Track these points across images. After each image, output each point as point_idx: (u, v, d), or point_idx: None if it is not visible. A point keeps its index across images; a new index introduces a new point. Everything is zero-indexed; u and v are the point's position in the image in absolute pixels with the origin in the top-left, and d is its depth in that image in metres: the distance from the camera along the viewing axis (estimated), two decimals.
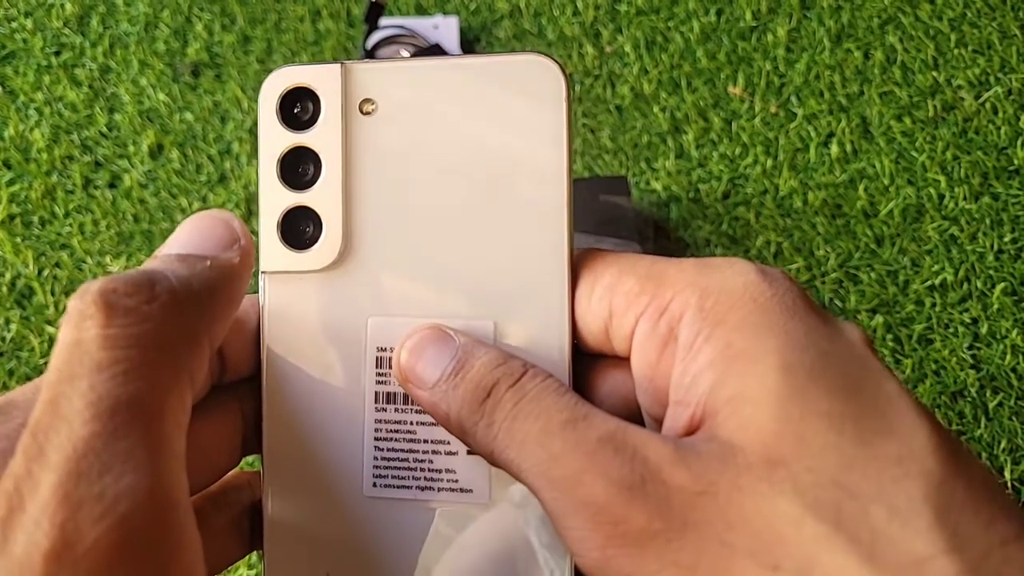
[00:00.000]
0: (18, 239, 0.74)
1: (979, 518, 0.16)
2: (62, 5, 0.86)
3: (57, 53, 0.84)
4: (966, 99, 0.81)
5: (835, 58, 0.83)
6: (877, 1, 0.87)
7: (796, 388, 0.17)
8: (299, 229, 0.23)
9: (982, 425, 0.64)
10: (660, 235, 0.73)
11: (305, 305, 0.23)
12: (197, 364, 0.18)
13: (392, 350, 0.22)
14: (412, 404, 0.23)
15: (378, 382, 0.23)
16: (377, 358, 0.23)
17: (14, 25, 0.85)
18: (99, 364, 0.16)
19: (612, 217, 0.67)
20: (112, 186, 0.77)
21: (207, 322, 0.18)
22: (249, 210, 0.75)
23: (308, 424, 0.23)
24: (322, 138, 0.23)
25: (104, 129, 0.79)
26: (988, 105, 0.80)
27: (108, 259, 0.73)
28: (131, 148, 0.78)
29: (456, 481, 0.23)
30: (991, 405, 0.65)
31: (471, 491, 0.23)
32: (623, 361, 0.21)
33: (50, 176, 0.77)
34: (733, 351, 0.18)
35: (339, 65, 0.22)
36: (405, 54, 0.78)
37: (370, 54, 0.78)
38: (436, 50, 0.77)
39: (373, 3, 0.79)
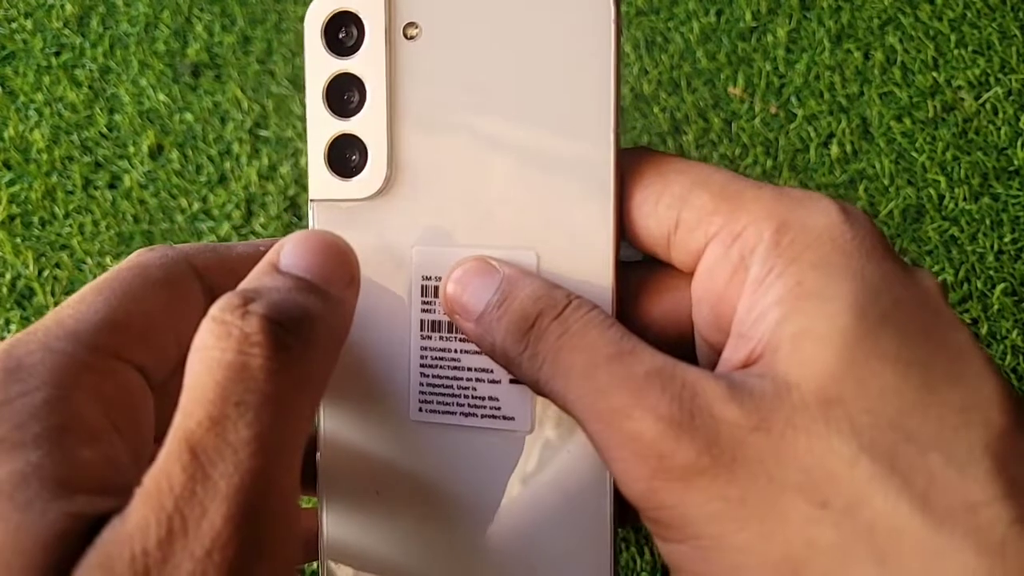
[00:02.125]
0: (18, 239, 0.74)
1: None
2: (62, 5, 0.86)
3: (57, 54, 0.84)
4: (966, 100, 0.81)
5: (835, 59, 0.83)
6: (877, 2, 0.87)
7: (865, 330, 0.17)
8: (345, 157, 0.23)
9: None
10: None
11: (352, 233, 0.23)
12: (317, 405, 0.18)
13: (437, 279, 0.23)
14: (456, 332, 0.23)
15: (423, 310, 0.23)
16: (423, 287, 0.23)
17: (14, 26, 0.85)
18: (266, 397, 0.16)
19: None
20: (112, 187, 0.77)
21: (333, 362, 0.19)
22: (249, 210, 0.75)
23: (357, 350, 0.23)
24: (366, 64, 0.23)
25: (104, 130, 0.79)
26: (988, 106, 0.80)
27: (108, 259, 0.73)
28: (131, 149, 0.78)
29: (499, 408, 0.23)
30: None
31: (513, 418, 0.23)
32: (680, 277, 0.21)
33: (50, 177, 0.77)
34: (804, 289, 0.18)
35: None
36: None
37: None
38: None
39: None
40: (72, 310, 0.18)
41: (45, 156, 0.77)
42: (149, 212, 0.75)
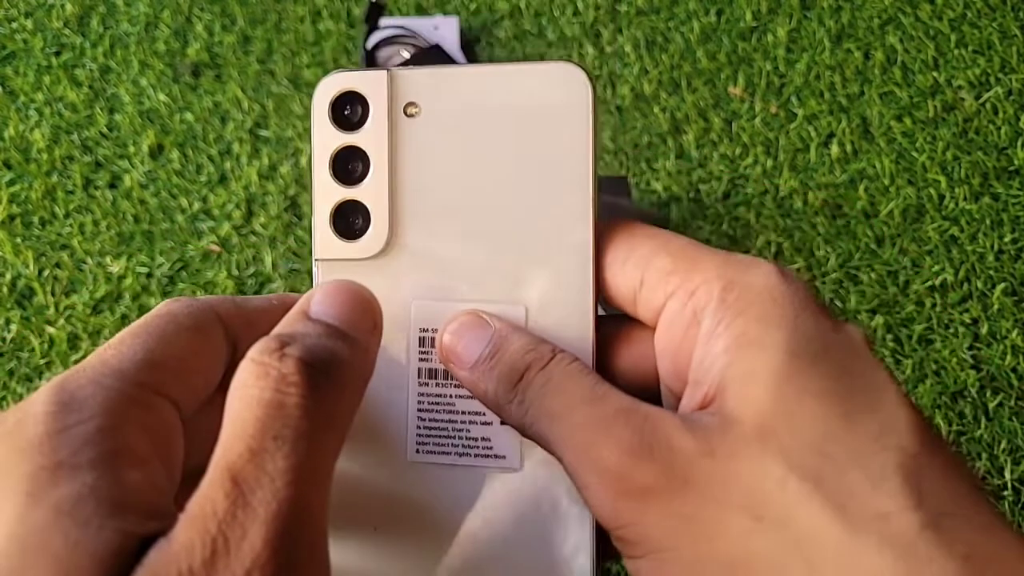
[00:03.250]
0: (18, 239, 0.74)
1: (945, 488, 0.18)
2: (62, 5, 0.86)
3: (57, 53, 0.84)
4: (966, 99, 0.81)
5: (835, 58, 0.83)
6: (877, 1, 0.87)
7: (795, 370, 0.19)
8: (349, 221, 0.25)
9: (982, 425, 0.64)
10: None
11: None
12: (343, 441, 0.20)
13: (434, 331, 0.25)
14: (451, 379, 0.25)
15: (421, 359, 0.25)
16: (420, 338, 0.25)
17: (14, 25, 0.85)
18: (301, 432, 0.17)
19: (612, 217, 0.67)
20: (112, 186, 0.77)
21: (358, 402, 0.21)
22: (249, 210, 0.75)
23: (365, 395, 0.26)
24: (370, 138, 0.25)
25: (104, 129, 0.79)
26: (988, 105, 0.80)
27: (108, 259, 0.73)
28: (131, 148, 0.78)
29: (491, 448, 0.25)
30: (991, 405, 0.65)
31: (504, 457, 0.25)
32: (647, 330, 0.24)
33: (50, 176, 0.77)
34: (746, 339, 0.20)
35: (386, 72, 0.25)
36: (405, 54, 0.78)
37: (370, 54, 0.78)
38: (436, 50, 0.77)
39: (373, 3, 0.79)
40: (114, 351, 0.20)
41: (45, 156, 0.77)
42: (149, 212, 0.75)
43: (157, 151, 0.78)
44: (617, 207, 0.68)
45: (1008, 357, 0.67)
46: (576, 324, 0.25)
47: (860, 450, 0.18)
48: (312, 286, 0.24)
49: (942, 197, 0.75)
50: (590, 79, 0.24)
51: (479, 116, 0.25)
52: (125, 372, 0.19)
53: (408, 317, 0.25)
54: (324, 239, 0.25)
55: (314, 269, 0.26)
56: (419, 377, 0.25)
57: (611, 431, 0.20)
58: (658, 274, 0.23)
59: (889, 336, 0.68)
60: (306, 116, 0.79)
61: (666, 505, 0.19)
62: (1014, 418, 0.65)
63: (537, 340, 0.23)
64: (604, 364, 0.25)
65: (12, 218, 0.75)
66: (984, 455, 0.63)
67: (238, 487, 0.16)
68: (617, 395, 0.21)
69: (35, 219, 0.75)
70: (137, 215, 0.75)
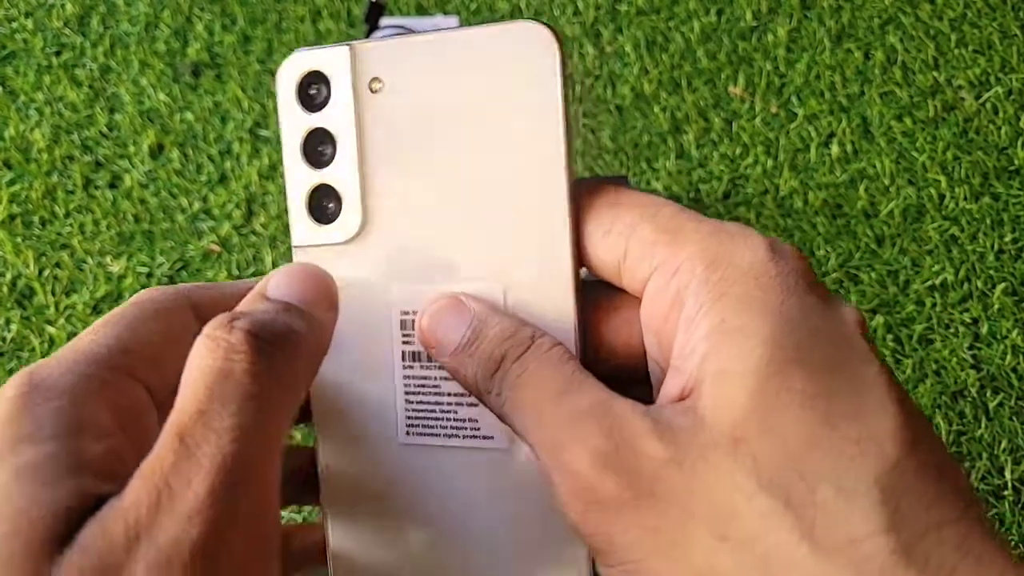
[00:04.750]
0: (18, 239, 0.74)
1: (923, 499, 0.17)
2: (62, 5, 0.86)
3: (57, 53, 0.84)
4: (966, 99, 0.81)
5: (835, 58, 0.83)
6: (877, 1, 0.87)
7: (775, 368, 0.18)
8: (323, 205, 0.25)
9: (982, 425, 0.64)
10: None
11: (335, 274, 0.24)
12: (298, 405, 0.20)
13: (415, 313, 0.25)
14: (435, 361, 0.25)
15: (404, 342, 0.25)
16: (402, 320, 0.25)
17: (14, 25, 0.85)
18: (248, 395, 0.18)
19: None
20: (112, 186, 0.77)
21: (313, 370, 0.21)
22: (250, 210, 0.75)
23: (348, 383, 0.25)
24: (336, 118, 0.24)
25: (104, 129, 0.79)
26: (988, 105, 0.80)
27: (109, 259, 0.73)
28: (131, 148, 0.78)
29: (478, 429, 0.25)
30: (991, 405, 0.65)
31: (492, 438, 0.25)
32: (634, 299, 0.23)
33: (50, 176, 0.77)
34: (727, 327, 0.19)
35: (347, 47, 0.24)
36: None
37: None
38: None
39: (373, 3, 0.79)
40: (88, 338, 0.22)
41: (45, 156, 0.77)
42: (149, 211, 0.75)
43: (157, 151, 0.78)
44: None
45: (1008, 357, 0.67)
46: (556, 299, 0.24)
47: (838, 460, 0.17)
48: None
49: (942, 197, 0.75)
50: (557, 37, 0.23)
51: (444, 85, 0.24)
52: (96, 357, 0.20)
53: (390, 300, 0.25)
54: (300, 225, 0.25)
55: (293, 255, 0.25)
56: (403, 360, 0.25)
57: (579, 432, 0.20)
58: (642, 245, 0.22)
59: (889, 336, 0.68)
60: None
61: (632, 516, 0.19)
62: (1014, 418, 0.65)
63: (517, 325, 0.23)
64: (589, 332, 0.24)
65: (12, 218, 0.75)
66: (984, 455, 0.63)
67: (184, 443, 0.17)
68: (591, 387, 0.21)
69: (35, 219, 0.75)
70: (137, 215, 0.75)
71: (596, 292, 0.24)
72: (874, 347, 0.19)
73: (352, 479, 0.26)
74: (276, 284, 0.21)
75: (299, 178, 0.25)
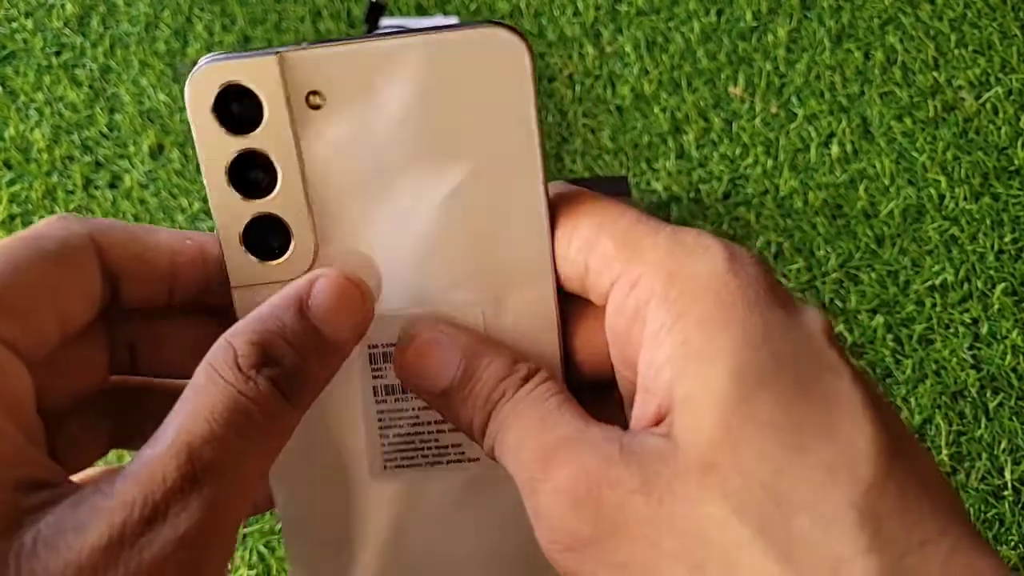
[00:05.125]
0: None
1: (905, 519, 0.16)
2: (62, 5, 0.86)
3: (57, 53, 0.84)
4: (966, 99, 0.81)
5: (835, 58, 0.83)
6: (877, 1, 0.87)
7: (742, 394, 0.18)
8: (266, 239, 0.21)
9: (982, 425, 0.64)
10: None
11: None
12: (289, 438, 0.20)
13: (385, 345, 0.23)
14: (412, 393, 0.23)
15: (375, 376, 0.23)
16: (370, 355, 0.23)
17: (14, 25, 0.85)
18: (260, 437, 0.18)
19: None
20: (112, 186, 0.77)
21: (308, 406, 0.21)
22: None
23: (311, 426, 0.22)
24: (271, 139, 0.21)
25: (104, 129, 0.79)
26: (988, 105, 0.80)
27: None
28: (131, 148, 0.78)
29: (463, 453, 0.23)
30: (991, 405, 0.65)
31: (477, 460, 0.23)
32: (599, 308, 0.22)
33: (50, 176, 0.77)
34: (690, 349, 0.19)
35: (275, 56, 0.20)
36: None
37: None
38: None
39: (373, 3, 0.79)
40: None
41: (45, 156, 0.77)
42: (149, 212, 0.75)
43: (157, 151, 0.78)
44: None
45: (1008, 357, 0.67)
46: (539, 316, 0.22)
47: (811, 486, 0.17)
48: (232, 315, 0.22)
49: (942, 197, 0.75)
50: (525, 43, 0.21)
51: (396, 99, 0.21)
52: None
53: None
54: (239, 263, 0.21)
55: (234, 298, 0.22)
56: (375, 396, 0.23)
57: (552, 472, 0.19)
58: (601, 259, 0.21)
59: (889, 336, 0.68)
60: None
61: (599, 554, 0.18)
62: (1014, 418, 0.65)
63: (509, 363, 0.22)
64: (564, 337, 0.23)
65: (12, 218, 0.75)
66: (984, 455, 0.63)
67: (192, 465, 0.17)
68: (568, 421, 0.20)
69: (35, 219, 0.75)
70: (137, 215, 0.75)
71: (563, 301, 0.23)
72: (843, 352, 0.18)
73: (322, 532, 0.24)
74: (322, 302, 0.20)
75: (231, 210, 0.21)
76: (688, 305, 0.19)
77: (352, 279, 0.20)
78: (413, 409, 0.23)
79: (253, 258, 0.21)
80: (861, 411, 0.18)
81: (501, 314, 0.22)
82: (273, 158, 0.21)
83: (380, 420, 0.23)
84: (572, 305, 0.23)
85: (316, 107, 0.21)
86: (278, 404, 0.19)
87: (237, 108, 0.21)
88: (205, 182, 0.21)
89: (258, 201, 0.21)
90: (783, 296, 0.19)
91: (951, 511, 0.17)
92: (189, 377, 0.20)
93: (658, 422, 0.19)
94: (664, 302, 0.19)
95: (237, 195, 0.21)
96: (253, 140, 0.21)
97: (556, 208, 0.22)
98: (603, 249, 0.21)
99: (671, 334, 0.19)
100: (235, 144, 0.21)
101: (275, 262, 0.21)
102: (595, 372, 0.23)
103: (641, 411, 0.20)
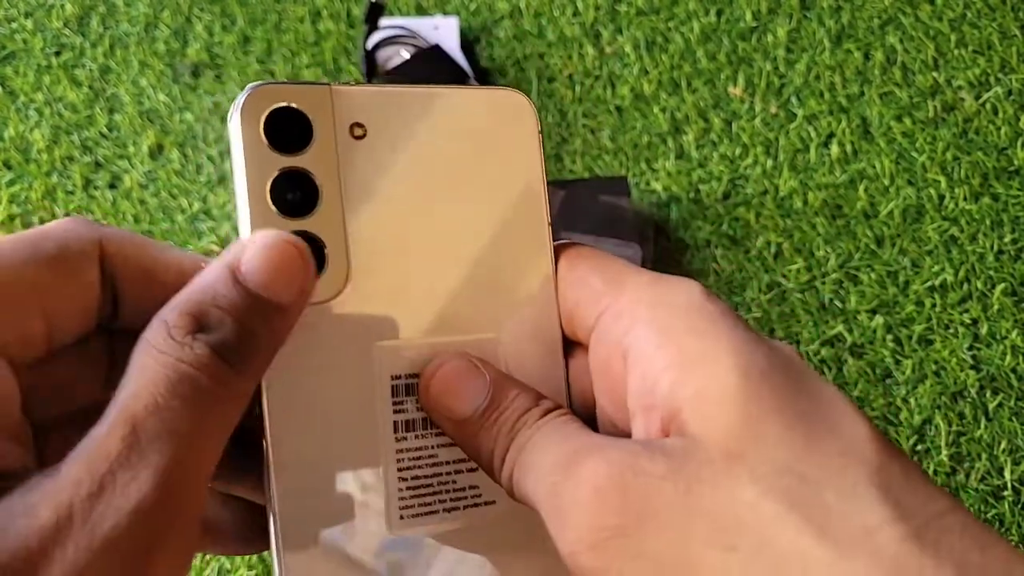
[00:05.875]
0: None
1: (917, 496, 0.18)
2: (62, 6, 0.86)
3: (57, 53, 0.84)
4: (966, 100, 0.81)
5: (835, 59, 0.83)
6: (877, 2, 0.87)
7: (753, 388, 0.19)
8: None
9: (982, 426, 0.64)
10: (660, 235, 0.73)
11: (307, 339, 0.22)
12: (247, 404, 0.20)
13: (408, 377, 0.23)
14: (432, 428, 0.23)
15: (396, 411, 0.23)
16: (392, 387, 0.23)
17: (14, 26, 0.85)
18: (206, 402, 0.18)
19: (612, 217, 0.67)
20: (112, 187, 0.77)
21: (264, 370, 0.20)
22: None
23: (323, 467, 0.22)
24: (317, 161, 0.22)
25: (104, 130, 0.79)
26: (988, 106, 0.80)
27: None
28: (131, 149, 0.78)
29: (480, 495, 0.23)
30: (991, 406, 0.65)
31: (494, 502, 0.23)
32: (583, 348, 0.24)
33: (50, 176, 0.77)
34: (688, 354, 0.20)
35: (327, 87, 0.22)
36: (405, 55, 0.78)
37: (370, 55, 0.78)
38: (436, 51, 0.77)
39: (373, 3, 0.79)
40: None
41: (45, 156, 0.77)
42: (149, 212, 0.75)
43: (157, 151, 0.78)
44: (616, 207, 0.68)
45: (1008, 357, 0.67)
46: (547, 351, 0.24)
47: (829, 469, 0.18)
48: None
49: (942, 197, 0.75)
50: (534, 106, 0.24)
51: (428, 139, 0.23)
52: None
53: (374, 364, 0.22)
54: None
55: None
56: (395, 432, 0.23)
57: (577, 471, 0.19)
58: (590, 294, 0.23)
59: (889, 336, 0.68)
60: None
61: (628, 545, 0.18)
62: (1014, 418, 0.65)
63: (534, 396, 0.22)
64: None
65: (12, 218, 0.75)
66: (984, 455, 0.63)
67: (136, 435, 0.17)
68: (588, 434, 0.21)
69: (35, 219, 0.75)
70: (137, 215, 0.75)
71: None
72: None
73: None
74: (253, 267, 0.19)
75: (268, 226, 0.21)
76: (675, 322, 0.20)
77: (288, 239, 0.19)
78: (433, 447, 0.23)
79: None
80: (852, 411, 0.19)
81: (512, 349, 0.23)
82: (317, 179, 0.22)
83: (399, 460, 0.23)
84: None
85: (359, 137, 0.22)
86: (221, 369, 0.18)
87: (287, 129, 0.22)
88: (242, 200, 0.21)
89: (298, 220, 0.22)
90: (752, 329, 0.21)
91: (946, 494, 0.18)
92: None
93: (665, 434, 0.20)
94: (650, 324, 0.21)
95: (277, 213, 0.21)
96: (300, 160, 0.22)
97: (558, 253, 0.24)
98: (592, 285, 0.23)
99: (663, 347, 0.20)
100: (281, 162, 0.21)
101: None
102: (582, 413, 0.24)
103: (644, 428, 0.20)
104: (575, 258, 0.24)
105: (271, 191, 0.21)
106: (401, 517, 0.23)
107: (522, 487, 0.21)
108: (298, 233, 0.21)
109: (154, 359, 0.18)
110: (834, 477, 0.18)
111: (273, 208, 0.21)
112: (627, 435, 0.22)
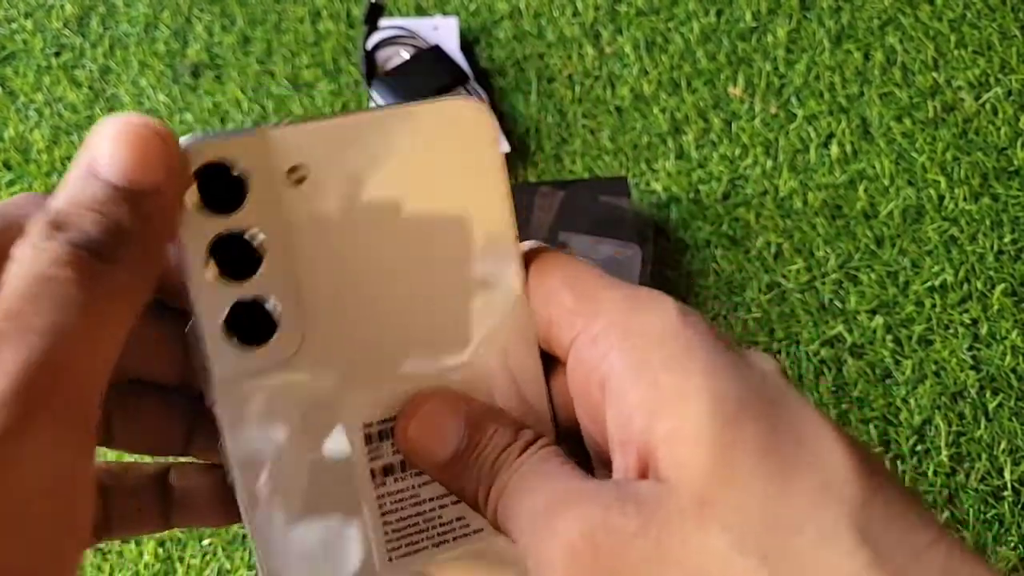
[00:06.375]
0: None
1: (898, 532, 0.17)
2: (62, 6, 0.86)
3: (57, 54, 0.84)
4: (966, 100, 0.81)
5: (835, 59, 0.83)
6: (877, 2, 0.87)
7: (725, 425, 0.18)
8: (251, 323, 0.20)
9: (982, 426, 0.64)
10: (660, 236, 0.73)
11: (269, 403, 0.21)
12: (142, 302, 0.19)
13: (380, 423, 0.22)
14: (410, 469, 0.23)
15: (372, 458, 0.22)
16: (366, 435, 0.22)
17: (14, 26, 0.85)
18: (68, 298, 0.17)
19: (611, 218, 0.67)
20: None
21: (157, 263, 0.19)
22: None
23: (305, 525, 0.22)
24: (255, 217, 0.20)
25: None
26: (988, 106, 0.81)
27: None
28: None
29: (468, 525, 0.23)
30: (991, 406, 0.65)
31: (482, 530, 0.23)
32: (563, 366, 0.23)
33: (50, 177, 0.77)
34: (661, 390, 0.19)
35: (255, 132, 0.20)
36: (405, 55, 0.78)
37: (370, 55, 0.78)
38: (436, 51, 0.77)
39: (373, 4, 0.79)
40: None
41: (45, 156, 0.77)
42: None
43: None
44: (616, 208, 0.68)
45: (1008, 357, 0.67)
46: (527, 374, 0.22)
47: (804, 510, 0.17)
48: (216, 425, 0.21)
49: (942, 198, 0.75)
50: (489, 114, 0.22)
51: (376, 170, 0.21)
52: None
53: (343, 415, 0.22)
54: (221, 352, 0.20)
55: (216, 391, 0.21)
56: (374, 479, 0.22)
57: (553, 525, 0.19)
58: (562, 314, 0.22)
59: (889, 336, 0.68)
60: (305, 117, 0.79)
61: None
62: (1014, 418, 0.65)
63: (514, 430, 0.22)
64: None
65: None
66: (984, 455, 0.63)
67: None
68: (566, 477, 0.20)
69: None
70: None
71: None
72: (798, 390, 0.19)
73: None
74: (109, 160, 0.18)
75: (213, 296, 0.20)
76: (649, 352, 0.20)
77: (135, 120, 0.18)
78: (414, 487, 0.23)
79: (238, 346, 0.20)
80: (832, 437, 0.18)
81: (490, 376, 0.22)
82: (258, 237, 0.20)
83: (381, 505, 0.22)
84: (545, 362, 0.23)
85: (300, 181, 0.20)
86: (87, 262, 0.17)
87: (219, 187, 0.20)
88: (183, 268, 0.20)
89: (242, 284, 0.20)
90: (732, 344, 0.20)
91: (933, 522, 0.18)
92: (146, 372, 0.20)
93: (642, 471, 0.19)
94: (624, 353, 0.20)
95: (219, 278, 0.20)
96: (237, 220, 0.20)
97: (527, 264, 0.23)
98: (564, 302, 0.22)
99: (637, 381, 0.20)
100: (217, 225, 0.20)
101: (261, 348, 0.21)
102: (567, 427, 0.23)
103: (623, 465, 0.20)
104: (545, 270, 0.23)
105: (211, 256, 0.20)
106: (390, 559, 0.22)
107: (506, 530, 0.21)
108: (245, 299, 0.20)
109: (13, 274, 0.17)
110: (810, 520, 0.17)
111: (215, 274, 0.20)
112: (609, 460, 0.21)
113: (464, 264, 0.22)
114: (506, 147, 0.75)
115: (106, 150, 0.18)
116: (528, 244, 0.23)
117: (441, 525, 0.23)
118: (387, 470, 0.22)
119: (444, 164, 0.22)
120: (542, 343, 0.23)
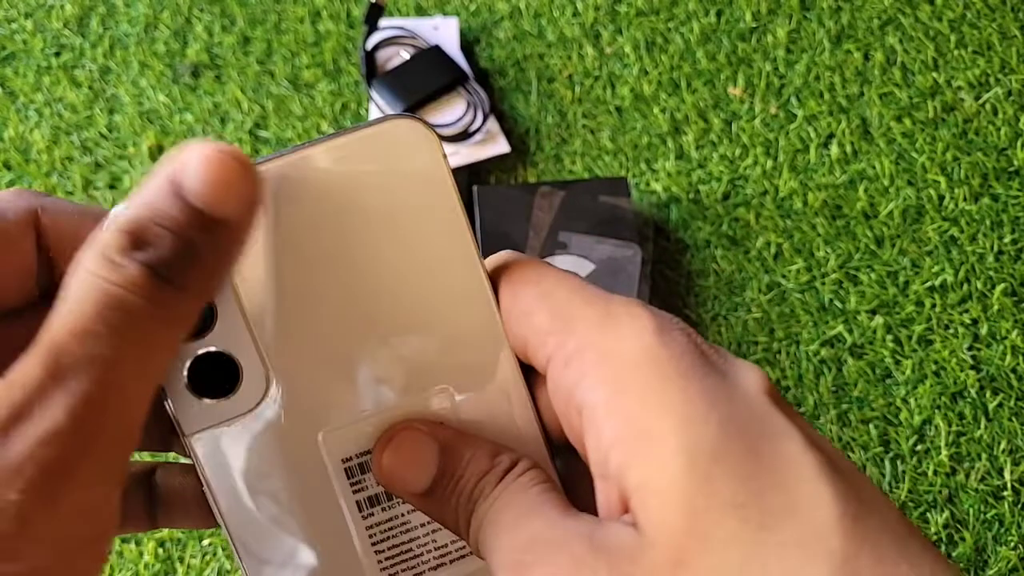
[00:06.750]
0: None
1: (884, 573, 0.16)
2: (62, 6, 0.86)
3: (57, 54, 0.84)
4: (966, 100, 0.81)
5: (835, 59, 0.83)
6: (877, 2, 0.87)
7: (699, 476, 0.17)
8: (213, 377, 0.21)
9: (982, 426, 0.64)
10: (660, 236, 0.73)
11: (245, 451, 0.21)
12: (187, 332, 0.19)
13: (359, 456, 0.22)
14: (397, 499, 0.22)
15: (355, 491, 0.22)
16: (346, 470, 0.22)
17: (14, 26, 0.85)
18: (137, 327, 0.17)
19: (612, 218, 0.67)
20: (112, 187, 0.77)
21: (211, 293, 0.19)
22: None
23: (295, 564, 0.22)
24: None
25: (104, 130, 0.79)
26: (988, 106, 0.81)
27: None
28: (131, 149, 0.78)
29: (463, 546, 0.23)
30: (991, 406, 0.65)
31: None
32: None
33: (50, 177, 0.77)
34: (635, 429, 0.18)
35: None
36: (405, 55, 0.78)
37: (370, 55, 0.78)
38: (436, 51, 0.77)
39: (373, 4, 0.79)
40: None
41: (45, 156, 0.77)
42: None
43: (157, 152, 0.78)
44: (616, 208, 0.68)
45: (1008, 357, 0.67)
46: (507, 392, 0.22)
47: (786, 569, 0.16)
48: (194, 464, 0.21)
49: (942, 198, 0.75)
50: (430, 130, 0.21)
51: (320, 205, 0.21)
52: None
53: (321, 454, 0.22)
54: (187, 408, 0.20)
55: (186, 446, 0.21)
56: (360, 511, 0.22)
57: (523, 574, 0.19)
58: (537, 335, 0.21)
59: (889, 336, 0.68)
60: (306, 117, 0.79)
61: None
62: (1014, 418, 0.65)
63: (490, 455, 0.21)
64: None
65: None
66: (984, 455, 0.63)
67: (56, 361, 0.16)
68: (543, 514, 0.20)
69: None
70: None
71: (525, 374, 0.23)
72: (788, 409, 0.18)
73: None
74: (196, 181, 0.18)
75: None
76: (624, 382, 0.19)
77: (227, 149, 0.18)
78: (403, 515, 0.22)
79: (201, 400, 0.21)
80: (817, 476, 0.17)
81: (468, 399, 0.22)
82: None
83: (371, 536, 0.22)
84: (530, 380, 0.23)
85: None
86: (158, 288, 0.17)
87: None
88: None
89: (200, 339, 0.20)
90: (715, 360, 0.19)
91: (925, 553, 0.17)
92: None
93: (624, 506, 0.19)
94: (599, 382, 0.19)
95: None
96: None
97: (499, 278, 0.22)
98: (537, 323, 0.21)
99: (611, 414, 0.19)
100: None
101: (226, 400, 0.21)
102: (560, 438, 0.23)
103: (605, 499, 0.20)
104: (518, 286, 0.22)
105: None
106: None
107: (487, 561, 0.20)
108: (202, 355, 0.20)
109: (84, 281, 0.17)
110: None
111: None
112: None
113: (427, 286, 0.22)
114: (506, 147, 0.75)
115: (194, 170, 0.18)
116: (502, 256, 0.23)
117: (436, 548, 0.23)
118: (372, 501, 0.22)
119: (391, 187, 0.21)
120: (521, 359, 0.22)
